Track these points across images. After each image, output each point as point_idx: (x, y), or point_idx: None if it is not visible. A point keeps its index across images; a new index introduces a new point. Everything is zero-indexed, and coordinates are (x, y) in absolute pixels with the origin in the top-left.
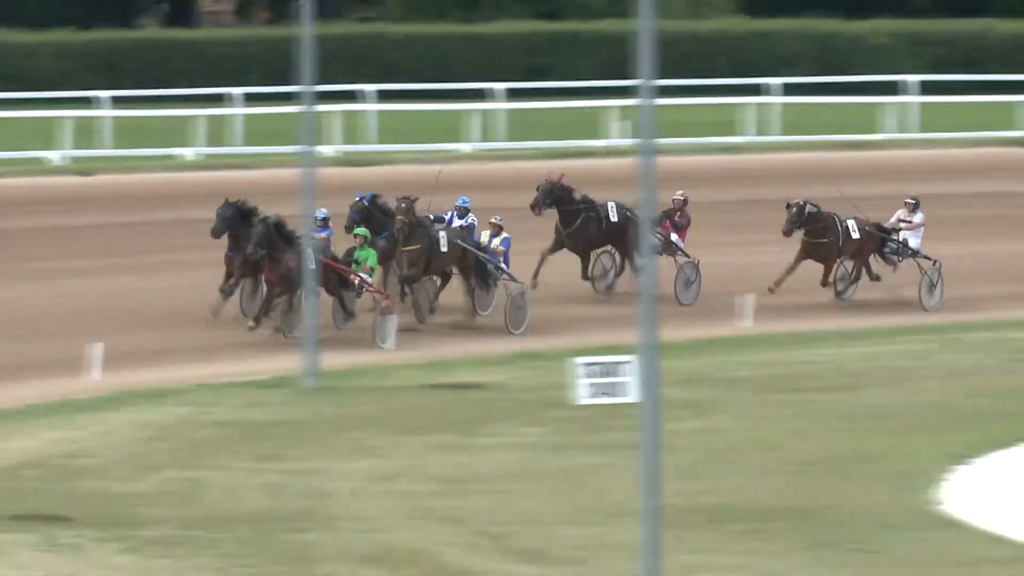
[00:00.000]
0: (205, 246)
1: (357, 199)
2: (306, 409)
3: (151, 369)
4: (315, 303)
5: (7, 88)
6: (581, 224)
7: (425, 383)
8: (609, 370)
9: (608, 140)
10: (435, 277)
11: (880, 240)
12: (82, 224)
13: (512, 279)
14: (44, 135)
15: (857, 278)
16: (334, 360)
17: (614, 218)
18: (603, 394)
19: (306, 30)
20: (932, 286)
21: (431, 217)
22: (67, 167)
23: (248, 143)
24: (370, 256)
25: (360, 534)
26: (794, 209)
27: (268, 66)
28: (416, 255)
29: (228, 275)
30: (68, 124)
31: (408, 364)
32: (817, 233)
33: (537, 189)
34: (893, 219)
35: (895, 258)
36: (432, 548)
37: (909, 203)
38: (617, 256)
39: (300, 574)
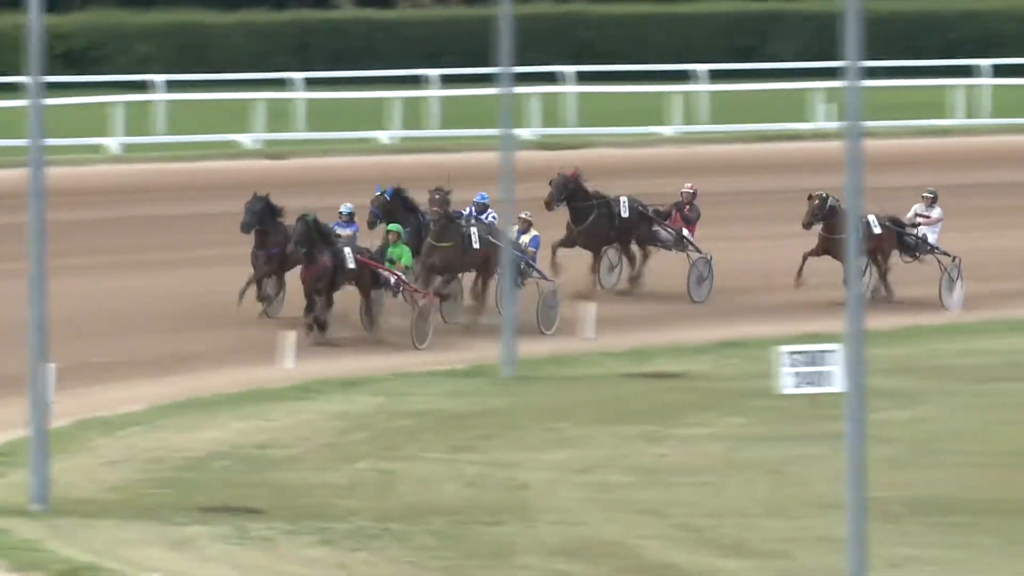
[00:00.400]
0: None
1: (377, 193)
2: (503, 399)
3: (345, 358)
4: (512, 292)
5: (199, 70)
6: (594, 221)
7: (624, 372)
8: (814, 359)
9: (814, 123)
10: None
11: (898, 236)
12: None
13: (543, 277)
14: (237, 118)
15: (884, 275)
16: (532, 348)
17: (625, 213)
18: (808, 383)
19: (504, 10)
20: (952, 283)
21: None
22: (259, 150)
23: (444, 126)
24: (404, 253)
25: (557, 527)
26: (816, 201)
27: (465, 47)
28: (450, 252)
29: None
30: (260, 106)
31: (607, 352)
32: (836, 228)
33: (550, 184)
34: (910, 213)
35: (915, 254)
36: (631, 541)
37: (927, 197)
38: (636, 251)
39: (496, 567)
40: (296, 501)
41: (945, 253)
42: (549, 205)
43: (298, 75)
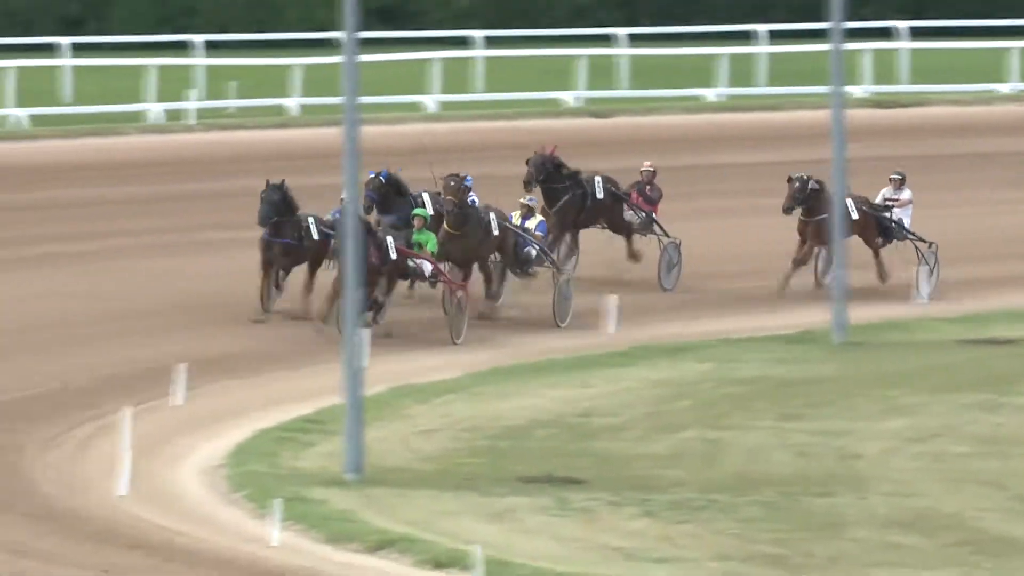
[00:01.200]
0: (732, 192)
1: (372, 176)
2: (834, 365)
3: (668, 323)
4: (843, 259)
5: (519, 25)
6: (566, 202)
7: (958, 338)
8: None
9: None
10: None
11: (877, 220)
12: (600, 168)
13: (555, 266)
14: (560, 75)
15: (877, 254)
16: (864, 313)
17: (600, 195)
18: None
19: None
20: (931, 272)
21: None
22: (582, 108)
23: (773, 83)
24: (430, 240)
25: (891, 498)
26: (797, 184)
27: (795, 2)
28: (469, 241)
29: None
30: (583, 63)
31: (939, 318)
32: (814, 211)
33: (527, 163)
34: (879, 198)
35: (890, 239)
36: (969, 513)
37: (895, 179)
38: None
39: (827, 540)
40: (618, 471)
41: (921, 239)
42: (528, 185)
43: (621, 31)
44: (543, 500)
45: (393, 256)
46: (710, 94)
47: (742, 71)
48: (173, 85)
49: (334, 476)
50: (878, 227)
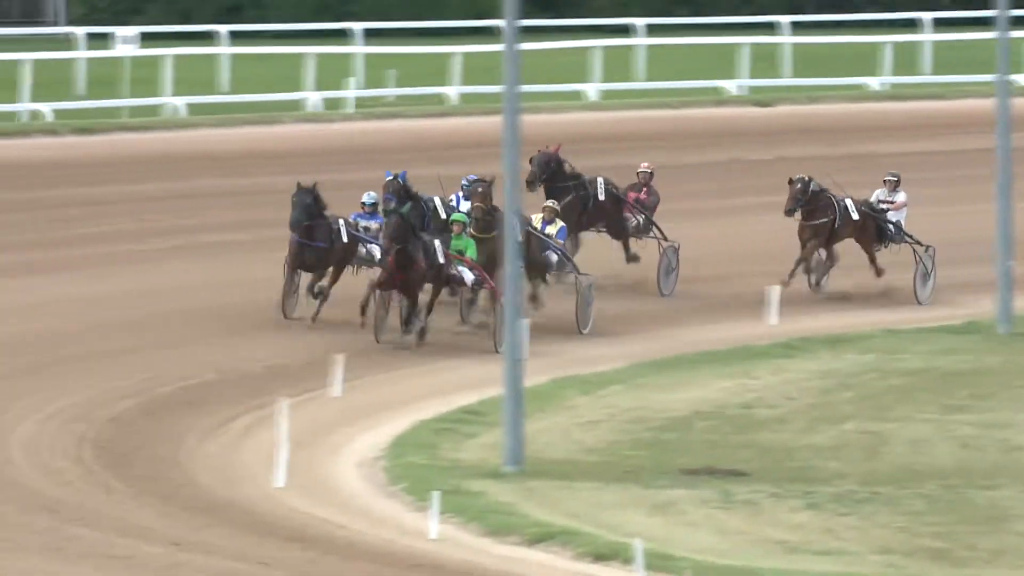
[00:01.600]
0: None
1: (389, 178)
2: (999, 356)
3: (831, 313)
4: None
5: (682, 13)
6: (569, 203)
7: None
8: None
9: None
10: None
11: (876, 223)
12: (762, 158)
13: (577, 271)
14: (723, 63)
15: (874, 260)
16: None
17: (602, 196)
18: None
19: None
20: (927, 275)
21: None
22: (745, 97)
23: (938, 72)
24: (469, 246)
25: None
26: (799, 186)
27: None
28: (494, 245)
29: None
30: (746, 51)
31: None
32: (814, 214)
33: (531, 161)
34: (872, 199)
35: (888, 243)
36: None
37: (890, 180)
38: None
39: (991, 533)
40: (781, 463)
41: (919, 242)
42: (531, 185)
43: (785, 18)
44: (706, 492)
45: (441, 261)
46: (874, 82)
47: (906, 59)
48: (332, 73)
49: (494, 468)
50: (876, 230)
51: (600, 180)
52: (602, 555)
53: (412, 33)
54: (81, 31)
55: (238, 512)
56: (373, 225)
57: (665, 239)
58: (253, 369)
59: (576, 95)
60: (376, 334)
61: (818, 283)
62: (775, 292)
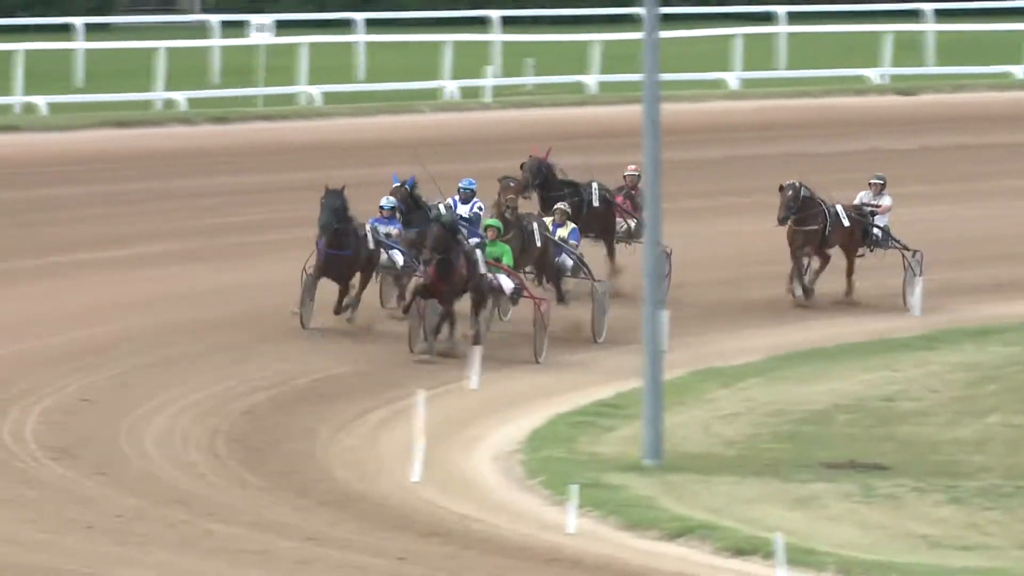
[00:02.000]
0: None
1: (396, 184)
2: None
3: (975, 304)
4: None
5: (824, 0)
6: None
7: None
8: None
9: None
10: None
11: (864, 228)
12: (906, 148)
13: (591, 277)
14: (865, 51)
15: (851, 272)
16: None
17: (596, 203)
18: None
19: None
20: (914, 280)
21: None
22: (887, 86)
23: None
24: (505, 253)
25: None
26: (789, 192)
27: None
28: (512, 249)
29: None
30: (888, 39)
31: None
32: (805, 220)
33: (522, 167)
34: (856, 201)
35: (878, 249)
36: None
37: (876, 183)
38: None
39: None
40: (923, 457)
41: (906, 247)
42: (523, 190)
43: (928, 5)
44: (847, 486)
45: (483, 270)
46: (1020, 71)
47: None
48: (469, 61)
49: (633, 462)
50: (863, 236)
51: (594, 185)
52: (742, 550)
53: (550, 21)
54: (216, 19)
55: (373, 506)
56: (393, 230)
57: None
58: (392, 362)
59: (717, 83)
60: (411, 344)
61: (806, 290)
62: (918, 283)
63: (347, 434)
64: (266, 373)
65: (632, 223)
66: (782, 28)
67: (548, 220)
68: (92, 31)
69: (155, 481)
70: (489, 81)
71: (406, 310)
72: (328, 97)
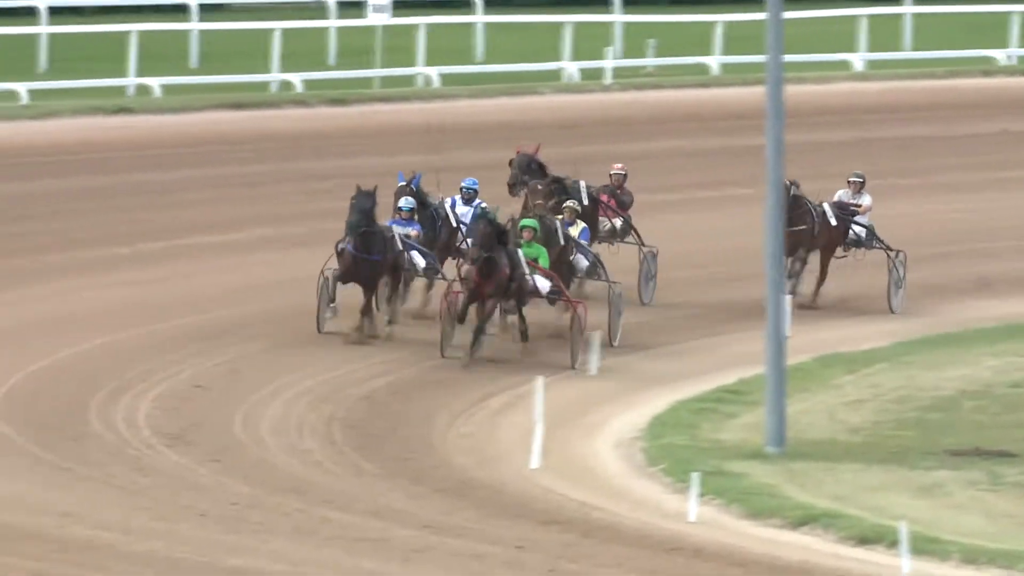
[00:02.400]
0: None
1: (401, 183)
2: None
3: None
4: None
5: None
6: (552, 207)
7: None
8: None
9: None
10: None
11: (847, 229)
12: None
13: (607, 279)
14: (993, 32)
15: (824, 275)
16: None
17: (585, 201)
18: None
19: None
20: (900, 282)
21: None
22: (1016, 67)
23: None
24: (541, 255)
25: None
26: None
27: None
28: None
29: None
30: (1016, 20)
31: None
32: (794, 220)
33: (510, 164)
34: (835, 200)
35: (859, 250)
36: None
37: (855, 182)
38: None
39: None
40: None
41: (889, 247)
42: (512, 187)
43: None
44: (973, 474)
45: (525, 271)
46: None
47: None
48: (589, 43)
49: (755, 449)
50: (845, 236)
51: (582, 183)
52: (866, 538)
53: (672, 1)
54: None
55: (491, 494)
56: (412, 232)
57: (643, 244)
58: (506, 348)
59: (841, 64)
60: (442, 348)
61: (793, 291)
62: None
63: (465, 420)
64: (383, 359)
65: (617, 222)
66: (908, 8)
67: (558, 218)
68: (207, 11)
69: (270, 468)
70: (610, 63)
71: (461, 319)
72: (446, 79)
